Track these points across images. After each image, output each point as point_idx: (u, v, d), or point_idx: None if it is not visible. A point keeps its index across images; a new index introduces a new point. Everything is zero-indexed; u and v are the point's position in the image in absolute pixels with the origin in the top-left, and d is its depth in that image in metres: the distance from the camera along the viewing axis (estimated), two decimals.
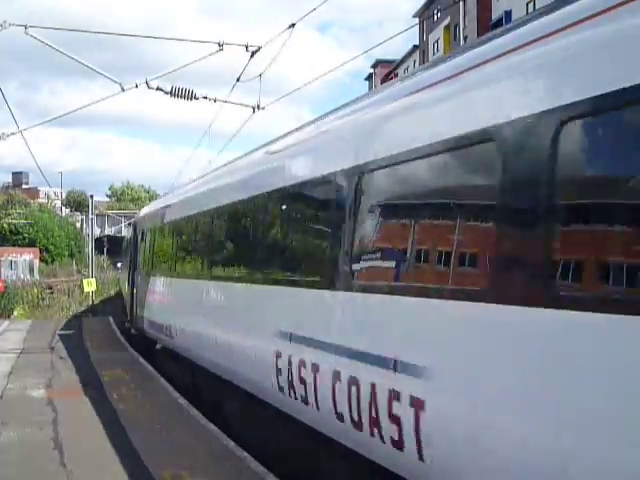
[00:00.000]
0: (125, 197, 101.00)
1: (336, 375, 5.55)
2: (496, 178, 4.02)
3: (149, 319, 15.32)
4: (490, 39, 4.79)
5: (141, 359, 15.41)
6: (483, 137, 4.11)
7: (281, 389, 6.83)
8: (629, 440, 3.07)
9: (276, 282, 7.45)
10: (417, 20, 59.17)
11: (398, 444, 4.68)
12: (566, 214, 3.66)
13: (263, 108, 13.66)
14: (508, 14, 43.74)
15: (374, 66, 78.45)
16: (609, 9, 3.45)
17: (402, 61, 70.90)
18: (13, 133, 14.47)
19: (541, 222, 3.66)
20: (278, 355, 6.82)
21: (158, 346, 15.37)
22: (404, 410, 4.57)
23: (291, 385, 6.56)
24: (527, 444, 3.59)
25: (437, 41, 59.02)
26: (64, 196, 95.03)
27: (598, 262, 3.49)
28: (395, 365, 4.73)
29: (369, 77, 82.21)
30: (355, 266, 5.59)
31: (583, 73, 3.56)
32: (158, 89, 12.91)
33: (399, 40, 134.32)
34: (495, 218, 4.06)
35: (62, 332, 21.48)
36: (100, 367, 14.05)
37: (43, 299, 34.50)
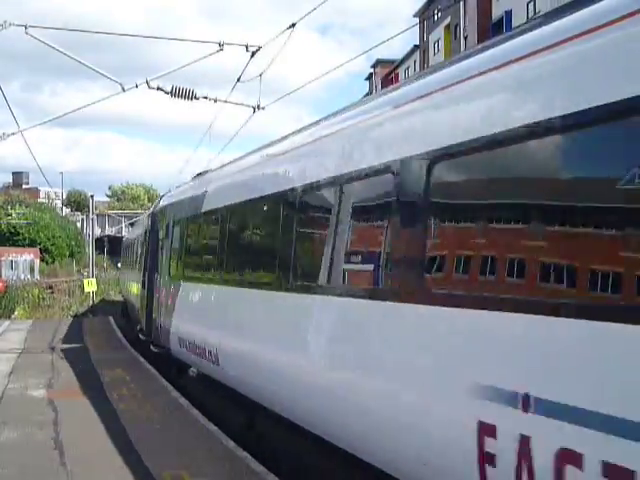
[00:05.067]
0: (125, 197, 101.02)
1: None
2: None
3: (179, 336, 11.82)
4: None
5: (141, 359, 15.40)
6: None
7: None
8: None
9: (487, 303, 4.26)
10: (417, 20, 59.18)
11: None
12: None
13: (263, 108, 13.66)
14: (508, 14, 43.73)
15: (374, 66, 78.43)
16: None
17: (402, 61, 70.91)
18: (13, 133, 14.48)
19: None
20: (485, 430, 4.04)
21: (192, 371, 12.09)
22: None
23: None
24: None
25: (437, 41, 59.02)
26: (64, 196, 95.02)
27: None
28: None
29: (369, 77, 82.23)
30: None
31: None
32: (158, 89, 12.91)
33: (399, 41, 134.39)
34: None
35: (62, 332, 21.48)
36: (100, 367, 14.05)
37: (44, 299, 34.56)
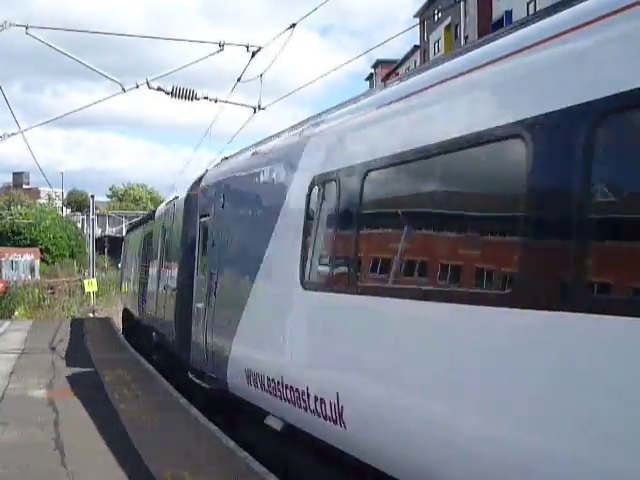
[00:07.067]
0: (126, 198, 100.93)
1: None
2: None
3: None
4: None
5: (142, 359, 15.41)
6: None
7: None
8: None
9: None
10: (417, 20, 59.19)
11: None
12: None
13: (264, 108, 13.66)
14: (508, 14, 43.72)
15: (375, 66, 78.36)
16: None
17: (403, 61, 70.87)
18: (14, 133, 14.48)
19: None
20: None
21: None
22: None
23: None
24: None
25: (438, 41, 59.00)
26: (65, 196, 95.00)
27: None
28: None
29: (370, 77, 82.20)
30: None
31: None
32: (159, 89, 12.91)
33: (400, 41, 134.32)
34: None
35: (63, 332, 21.49)
36: (101, 367, 14.05)
37: (44, 299, 34.58)
